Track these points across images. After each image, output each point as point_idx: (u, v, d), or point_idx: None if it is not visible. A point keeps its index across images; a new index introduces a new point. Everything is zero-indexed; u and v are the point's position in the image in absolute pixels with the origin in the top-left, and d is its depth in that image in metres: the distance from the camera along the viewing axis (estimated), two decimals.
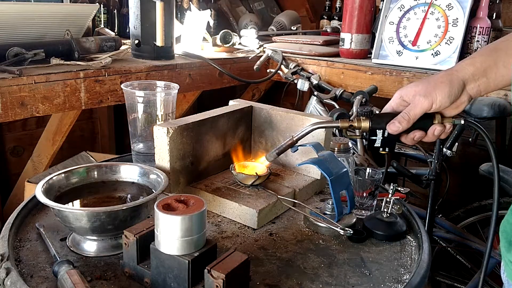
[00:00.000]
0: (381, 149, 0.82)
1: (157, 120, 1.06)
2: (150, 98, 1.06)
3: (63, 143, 1.96)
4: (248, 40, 2.19)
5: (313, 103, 1.92)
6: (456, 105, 0.78)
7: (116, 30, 2.30)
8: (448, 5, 1.72)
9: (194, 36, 2.07)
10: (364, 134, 0.83)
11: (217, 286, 0.62)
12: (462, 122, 0.81)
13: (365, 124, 0.81)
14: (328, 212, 0.91)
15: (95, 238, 0.78)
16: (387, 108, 0.82)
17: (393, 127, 0.77)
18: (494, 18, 1.81)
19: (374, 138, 0.81)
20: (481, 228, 1.85)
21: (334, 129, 0.92)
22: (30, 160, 2.04)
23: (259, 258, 0.79)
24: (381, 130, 0.80)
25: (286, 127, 1.08)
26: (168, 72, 1.69)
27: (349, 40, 1.95)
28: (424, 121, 0.78)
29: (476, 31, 1.74)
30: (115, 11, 2.31)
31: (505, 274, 0.80)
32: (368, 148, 0.84)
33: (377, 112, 0.84)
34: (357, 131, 0.83)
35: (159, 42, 1.69)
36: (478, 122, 0.93)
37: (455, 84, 0.75)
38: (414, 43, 1.79)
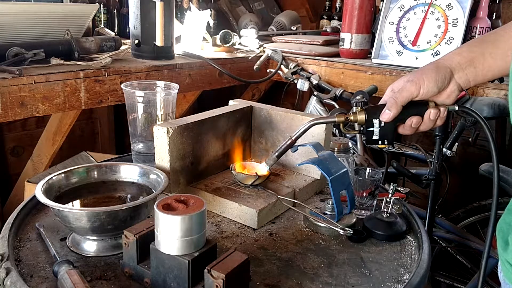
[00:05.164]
0: (379, 142, 0.83)
1: (157, 120, 1.06)
2: (150, 98, 1.06)
3: (63, 143, 1.96)
4: (248, 40, 2.19)
5: (313, 103, 1.92)
6: (447, 94, 0.79)
7: (116, 30, 2.29)
8: (448, 5, 1.72)
9: (194, 36, 2.07)
10: (362, 128, 0.83)
11: (217, 286, 0.62)
12: (457, 108, 0.82)
13: (361, 116, 0.82)
14: (328, 212, 0.91)
15: (95, 238, 0.78)
16: (380, 103, 0.83)
17: (385, 114, 0.79)
18: (494, 18, 1.81)
19: (371, 129, 0.82)
20: (481, 228, 1.84)
21: (334, 128, 0.92)
22: (30, 160, 2.04)
23: (259, 258, 0.79)
24: (377, 120, 0.81)
25: (286, 127, 1.08)
26: (168, 72, 1.69)
27: (349, 40, 1.95)
28: (419, 108, 0.80)
29: (476, 31, 1.74)
30: (115, 11, 2.31)
31: (502, 274, 0.80)
32: (367, 143, 0.85)
33: None
34: (355, 125, 0.83)
35: (159, 42, 1.69)
36: (477, 123, 0.93)
37: (442, 71, 0.77)
38: (414, 43, 1.79)
